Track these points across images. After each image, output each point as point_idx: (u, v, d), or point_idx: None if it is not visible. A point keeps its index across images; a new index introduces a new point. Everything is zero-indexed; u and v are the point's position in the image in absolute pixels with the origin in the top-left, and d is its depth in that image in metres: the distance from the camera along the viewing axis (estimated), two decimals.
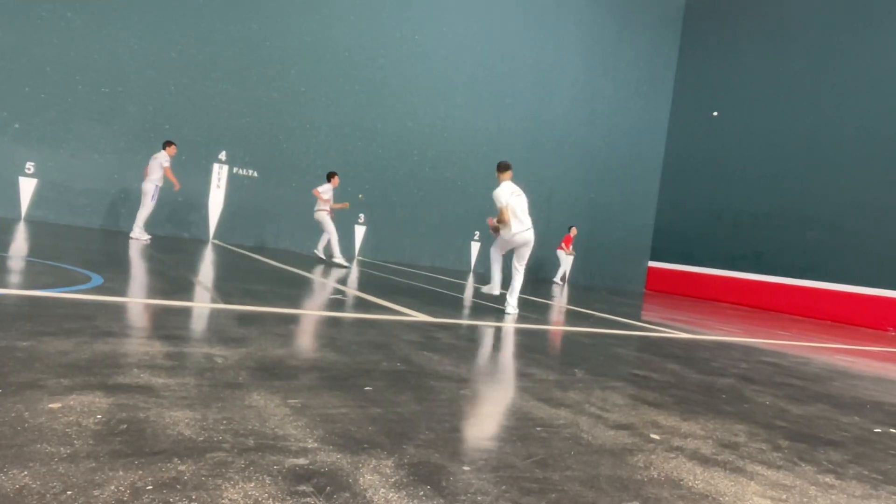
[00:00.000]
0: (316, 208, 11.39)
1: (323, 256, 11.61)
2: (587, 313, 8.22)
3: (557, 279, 16.71)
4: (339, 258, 11.19)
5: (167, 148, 11.01)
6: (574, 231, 17.27)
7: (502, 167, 6.86)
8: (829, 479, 2.24)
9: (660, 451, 2.30)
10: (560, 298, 10.85)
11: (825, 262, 15.38)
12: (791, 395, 3.90)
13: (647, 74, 20.12)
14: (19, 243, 7.26)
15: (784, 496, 1.99)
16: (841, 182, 15.35)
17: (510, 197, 6.56)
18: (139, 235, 10.77)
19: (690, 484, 1.98)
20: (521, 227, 6.50)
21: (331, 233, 11.26)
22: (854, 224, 14.90)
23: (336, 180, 11.60)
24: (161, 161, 10.78)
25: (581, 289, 15.39)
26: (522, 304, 7.90)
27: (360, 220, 15.45)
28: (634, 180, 20.06)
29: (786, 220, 16.51)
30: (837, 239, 15.22)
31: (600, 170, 19.28)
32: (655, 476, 2.01)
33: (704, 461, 2.25)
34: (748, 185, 17.66)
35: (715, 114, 16.53)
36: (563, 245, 16.91)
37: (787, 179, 16.66)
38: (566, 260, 17.03)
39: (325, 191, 11.28)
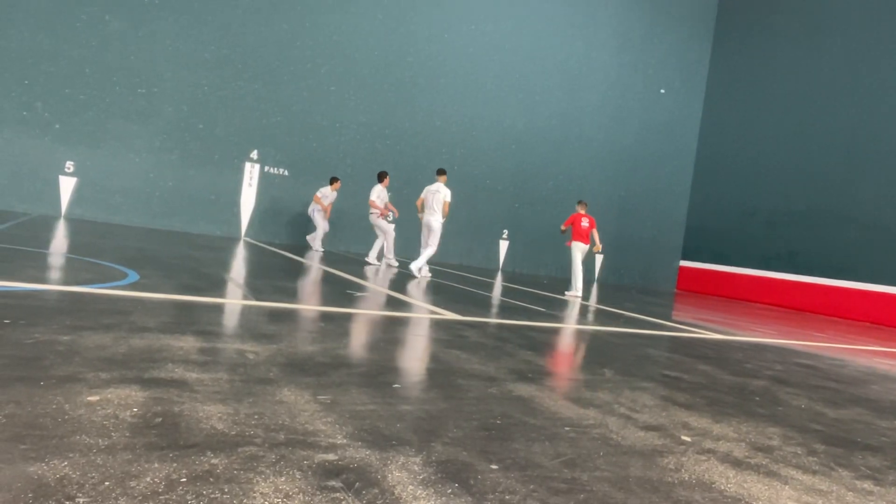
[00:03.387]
0: (320, 207, 13.22)
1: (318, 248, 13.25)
2: (617, 313, 8.13)
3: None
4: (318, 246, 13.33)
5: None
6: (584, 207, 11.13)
7: (437, 171, 9.65)
8: (867, 484, 2.19)
9: (691, 453, 2.27)
10: (590, 299, 10.75)
11: (863, 262, 14.95)
12: (827, 399, 3.81)
13: (679, 70, 19.80)
14: (59, 240, 7.47)
15: (820, 502, 1.94)
16: (880, 179, 14.91)
17: (426, 193, 9.34)
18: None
19: (722, 487, 1.95)
20: (426, 213, 9.26)
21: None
22: (894, 222, 14.45)
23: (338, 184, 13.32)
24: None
25: (611, 288, 15.23)
26: (552, 303, 7.87)
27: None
28: (665, 178, 19.78)
29: (822, 219, 16.09)
30: (876, 238, 14.79)
31: (631, 167, 19.05)
32: (686, 478, 1.98)
33: (737, 464, 2.21)
34: (783, 182, 17.26)
35: (662, 91, 16.21)
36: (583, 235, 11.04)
37: (823, 177, 16.24)
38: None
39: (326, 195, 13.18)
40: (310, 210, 13.51)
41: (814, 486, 2.09)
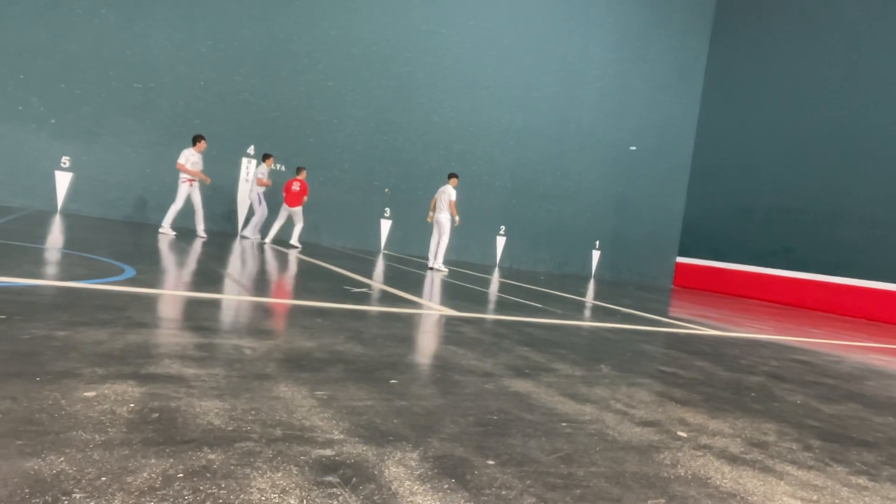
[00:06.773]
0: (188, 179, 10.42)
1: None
2: (614, 309, 8.15)
3: (264, 239, 12.49)
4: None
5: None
6: (303, 174, 12.16)
7: (448, 175, 11.19)
8: (861, 480, 2.20)
9: (687, 448, 2.28)
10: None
11: (859, 258, 15.00)
12: (823, 395, 3.82)
13: (677, 67, 19.80)
14: (56, 235, 7.45)
15: (815, 497, 1.95)
16: (875, 176, 14.94)
17: (437, 193, 10.89)
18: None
19: (718, 482, 1.96)
20: (437, 212, 10.79)
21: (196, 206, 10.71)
22: (889, 219, 14.50)
23: (202, 144, 10.56)
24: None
25: (608, 284, 15.26)
26: (549, 299, 7.88)
27: (385, 214, 15.52)
28: (663, 174, 19.79)
29: (818, 215, 16.13)
30: (872, 234, 14.83)
31: (628, 164, 19.07)
32: (682, 474, 1.99)
33: (733, 460, 2.21)
34: (779, 179, 17.29)
35: (633, 147, 16.58)
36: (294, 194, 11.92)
37: (819, 174, 16.27)
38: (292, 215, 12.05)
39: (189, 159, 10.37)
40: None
41: (809, 481, 2.09)
